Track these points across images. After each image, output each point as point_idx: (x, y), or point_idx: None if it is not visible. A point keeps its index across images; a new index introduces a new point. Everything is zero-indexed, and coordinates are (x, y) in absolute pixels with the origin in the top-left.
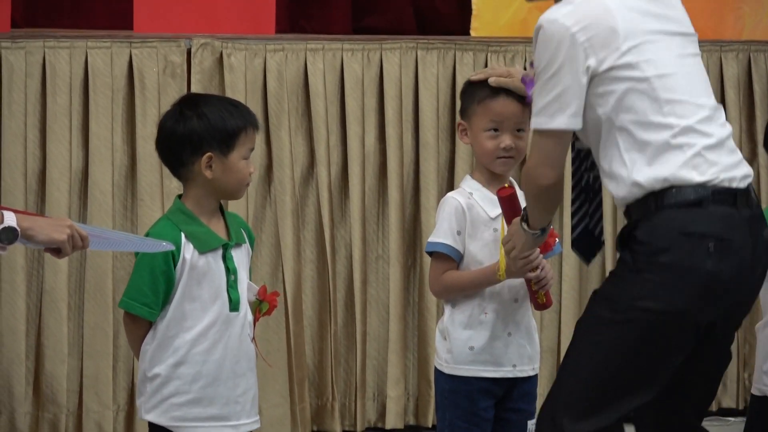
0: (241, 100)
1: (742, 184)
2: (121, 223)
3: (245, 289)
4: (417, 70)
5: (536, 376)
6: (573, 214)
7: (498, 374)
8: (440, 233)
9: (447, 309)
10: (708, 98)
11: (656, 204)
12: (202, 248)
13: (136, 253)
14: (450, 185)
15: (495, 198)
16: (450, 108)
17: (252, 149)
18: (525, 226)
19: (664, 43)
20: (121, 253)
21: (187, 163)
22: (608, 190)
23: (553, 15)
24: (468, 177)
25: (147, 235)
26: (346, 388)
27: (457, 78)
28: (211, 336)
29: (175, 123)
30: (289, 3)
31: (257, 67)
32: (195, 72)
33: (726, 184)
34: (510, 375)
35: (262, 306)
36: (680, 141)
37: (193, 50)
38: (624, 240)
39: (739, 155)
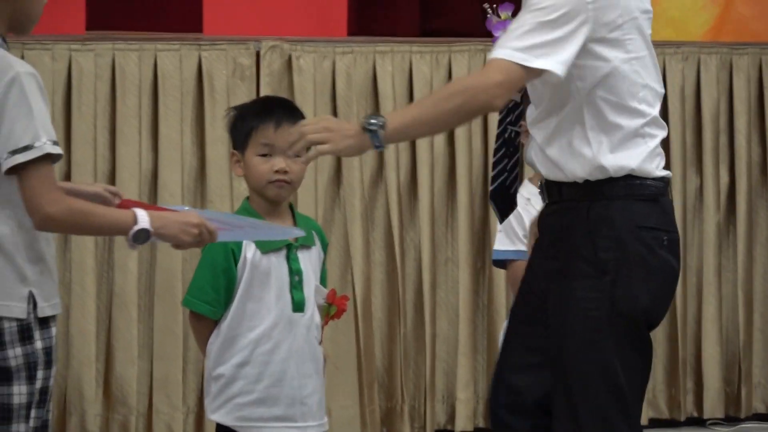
0: (310, 102)
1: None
2: None
3: (312, 291)
4: None
5: None
6: (494, 164)
7: None
8: (506, 242)
9: None
10: (661, 86)
11: (610, 193)
12: (264, 248)
13: (202, 252)
14: None
15: None
16: None
17: (267, 145)
18: (376, 133)
19: (643, 23)
20: (190, 255)
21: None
22: (552, 162)
23: None
24: (526, 182)
25: None
26: (416, 390)
27: None
28: (274, 336)
29: None
30: (357, 5)
31: (326, 69)
32: (264, 74)
33: (668, 177)
34: None
35: (330, 309)
36: (648, 131)
37: (262, 53)
38: (572, 227)
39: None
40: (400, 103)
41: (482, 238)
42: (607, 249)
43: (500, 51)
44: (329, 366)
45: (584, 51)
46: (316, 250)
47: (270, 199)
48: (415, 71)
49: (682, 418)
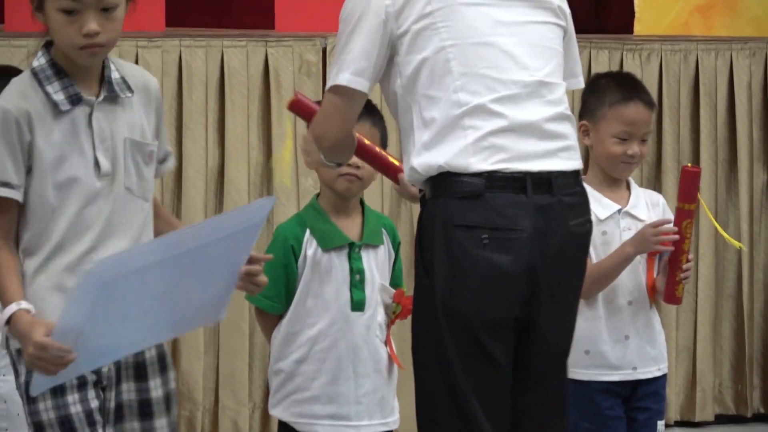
0: (374, 98)
1: (543, 172)
2: None
3: (375, 290)
4: None
5: (664, 376)
6: None
7: (616, 377)
8: None
9: None
10: (533, 71)
11: (434, 190)
12: (325, 245)
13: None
14: None
15: (606, 200)
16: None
17: None
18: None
19: (483, 10)
20: (258, 250)
21: None
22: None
23: None
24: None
25: (276, 228)
26: None
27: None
28: (332, 334)
29: None
30: None
31: None
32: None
33: (514, 172)
34: (630, 378)
35: (396, 309)
36: (467, 122)
37: (328, 49)
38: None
39: (556, 144)
40: None
41: None
42: (426, 249)
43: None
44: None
45: (397, 46)
46: (383, 250)
47: (339, 194)
48: None
49: (749, 414)
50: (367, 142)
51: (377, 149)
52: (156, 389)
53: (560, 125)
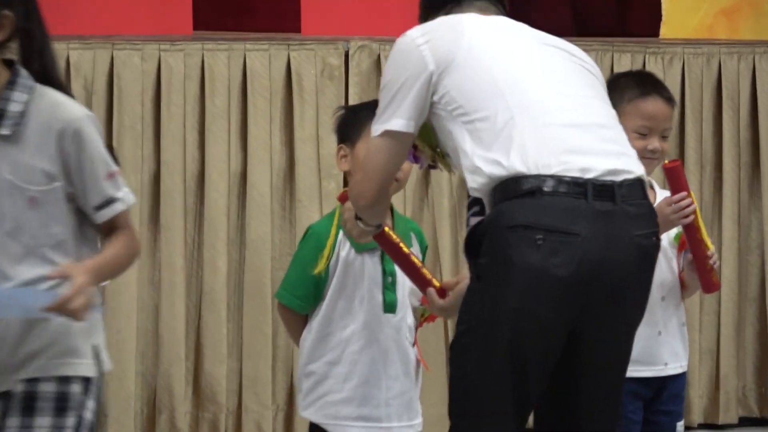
0: None
1: (604, 178)
2: (279, 224)
3: (405, 292)
4: None
5: (684, 374)
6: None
7: (650, 373)
8: None
9: None
10: (574, 89)
11: (494, 197)
12: (359, 247)
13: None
14: None
15: None
16: None
17: None
18: (360, 222)
19: (524, 45)
20: (279, 254)
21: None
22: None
23: (405, 33)
24: None
25: (308, 229)
26: None
27: None
28: (364, 336)
29: None
30: None
31: None
32: (353, 74)
33: (573, 174)
34: (662, 374)
35: (425, 312)
36: (519, 121)
37: (350, 52)
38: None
39: (614, 147)
40: None
41: None
42: (480, 254)
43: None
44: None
45: (437, 82)
46: (413, 252)
47: None
48: None
49: None
50: (405, 249)
51: (413, 258)
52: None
53: (614, 134)
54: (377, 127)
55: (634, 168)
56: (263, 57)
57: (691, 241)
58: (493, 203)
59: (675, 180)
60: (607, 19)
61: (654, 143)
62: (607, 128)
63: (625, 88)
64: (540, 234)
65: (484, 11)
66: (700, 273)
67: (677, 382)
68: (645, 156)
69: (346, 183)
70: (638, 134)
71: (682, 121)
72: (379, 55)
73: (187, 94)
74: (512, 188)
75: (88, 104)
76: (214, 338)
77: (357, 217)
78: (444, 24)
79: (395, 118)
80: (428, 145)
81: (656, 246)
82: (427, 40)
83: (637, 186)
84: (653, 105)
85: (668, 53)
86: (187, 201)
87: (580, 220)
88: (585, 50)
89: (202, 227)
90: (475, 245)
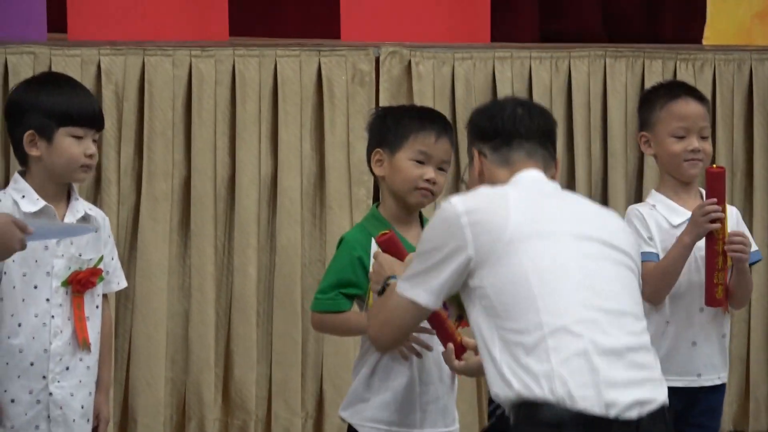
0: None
1: (628, 414)
2: (309, 231)
3: None
4: (605, 78)
5: (723, 386)
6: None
7: (680, 383)
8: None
9: None
10: (618, 301)
11: (516, 417)
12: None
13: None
14: (638, 194)
15: (679, 207)
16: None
17: (424, 153)
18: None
19: (563, 242)
20: (309, 260)
21: (370, 163)
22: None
23: (450, 200)
24: (653, 192)
25: (341, 239)
26: None
27: (646, 86)
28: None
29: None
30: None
31: (445, 75)
32: (383, 80)
33: (597, 411)
34: (694, 384)
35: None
36: (551, 343)
37: (381, 58)
38: None
39: (643, 373)
40: None
41: None
42: None
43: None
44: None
45: (475, 271)
46: None
47: (409, 205)
48: (535, 77)
49: None
50: (444, 317)
51: (451, 327)
52: None
53: (643, 357)
54: (406, 288)
55: (658, 395)
56: (294, 63)
57: (707, 249)
58: (516, 420)
59: (712, 186)
60: (638, 25)
61: (693, 143)
62: (636, 350)
63: (656, 98)
64: None
65: (531, 155)
66: (707, 284)
67: (714, 395)
68: (687, 158)
69: (376, 190)
70: (676, 137)
71: (713, 127)
72: (409, 61)
73: (218, 100)
74: (536, 414)
75: (119, 110)
76: (244, 345)
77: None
78: (490, 202)
79: (425, 292)
80: (458, 303)
81: None
82: (471, 222)
83: (660, 416)
84: (685, 105)
85: (699, 59)
86: (217, 207)
87: None
88: (615, 57)
89: (233, 233)
90: None
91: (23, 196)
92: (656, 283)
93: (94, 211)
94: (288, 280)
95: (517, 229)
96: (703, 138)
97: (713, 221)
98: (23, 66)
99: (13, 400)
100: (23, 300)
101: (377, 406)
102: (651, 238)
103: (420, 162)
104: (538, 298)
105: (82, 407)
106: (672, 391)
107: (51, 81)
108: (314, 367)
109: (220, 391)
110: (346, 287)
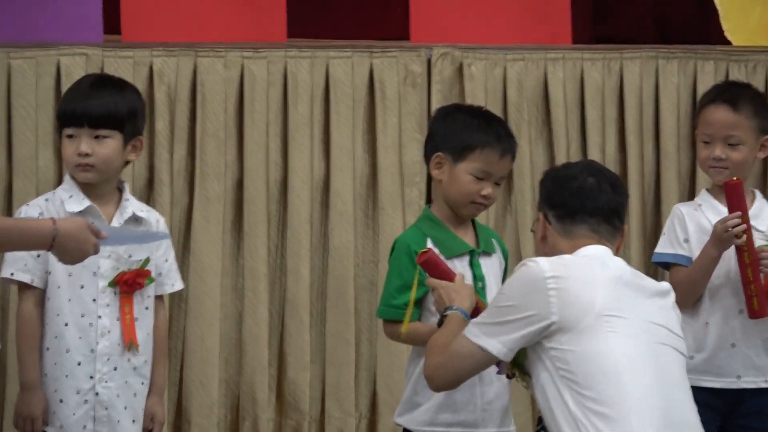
0: None
1: None
2: (362, 232)
3: (492, 297)
4: (657, 79)
5: None
6: None
7: (719, 384)
8: (667, 245)
9: None
10: (671, 402)
11: None
12: (448, 253)
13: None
14: (691, 195)
15: (722, 209)
16: (691, 118)
17: (485, 171)
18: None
19: (636, 334)
20: (362, 261)
21: (427, 160)
22: None
23: (537, 260)
24: (703, 191)
25: (394, 243)
26: None
27: (698, 88)
28: None
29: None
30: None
31: (497, 76)
32: (435, 81)
33: None
34: (733, 386)
35: None
36: (632, 420)
37: (433, 60)
38: None
39: None
40: (571, 110)
41: (654, 245)
42: None
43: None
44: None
45: (555, 337)
46: (497, 258)
47: (460, 214)
48: (587, 78)
49: None
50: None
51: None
52: None
53: None
54: (477, 334)
55: None
56: (346, 64)
57: (738, 261)
58: None
59: (731, 198)
60: (689, 27)
61: (715, 150)
62: None
63: (702, 100)
64: None
65: (595, 231)
66: (745, 297)
67: (760, 397)
68: (711, 165)
69: (429, 191)
70: (703, 143)
71: None
72: (461, 63)
73: (270, 101)
74: None
75: (172, 111)
76: (297, 345)
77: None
78: (577, 271)
79: (499, 344)
80: (514, 361)
81: None
82: (558, 288)
83: None
84: (713, 112)
85: (752, 60)
86: (270, 208)
87: None
88: (667, 58)
89: (285, 234)
90: None
91: (70, 196)
92: (683, 290)
93: (147, 213)
94: (341, 281)
95: (605, 305)
96: (731, 146)
97: (737, 235)
98: (76, 67)
99: (61, 401)
100: (69, 300)
101: (433, 409)
102: (686, 240)
103: (480, 178)
104: (623, 374)
105: (125, 408)
106: (713, 392)
107: (76, 83)
108: (367, 368)
109: (274, 392)
110: (411, 289)
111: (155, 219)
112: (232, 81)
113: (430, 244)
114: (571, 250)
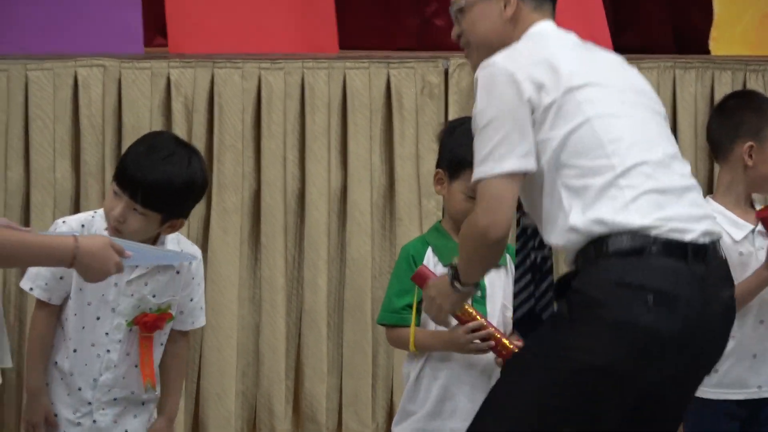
0: None
1: (701, 240)
2: (379, 243)
3: (497, 307)
4: (675, 89)
5: None
6: (516, 294)
7: (742, 396)
8: None
9: None
10: (665, 146)
11: (595, 252)
12: (446, 261)
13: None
14: None
15: (741, 221)
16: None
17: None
18: (457, 284)
19: (609, 90)
20: (380, 272)
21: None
22: (548, 242)
23: (489, 59)
24: (710, 200)
25: (402, 249)
26: None
27: (716, 98)
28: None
29: None
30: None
31: None
32: (452, 92)
33: (676, 236)
34: (755, 396)
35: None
36: (622, 182)
37: (450, 70)
38: (560, 289)
39: (703, 210)
40: None
41: None
42: (576, 303)
43: (476, 170)
44: None
45: (539, 121)
46: (506, 269)
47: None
48: None
49: None
50: (483, 320)
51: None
52: None
53: (698, 197)
54: (492, 167)
55: (716, 228)
56: (363, 75)
57: None
58: (593, 257)
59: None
60: (707, 36)
61: None
62: (692, 190)
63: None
64: (650, 295)
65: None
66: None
67: None
68: None
69: None
70: None
71: None
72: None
73: (288, 112)
74: (615, 245)
75: (189, 122)
76: (314, 357)
77: (454, 281)
78: (533, 55)
79: (517, 158)
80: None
81: (735, 306)
82: (525, 78)
83: (719, 247)
84: None
85: None
86: (287, 219)
87: (682, 282)
88: (685, 68)
89: (303, 246)
90: (572, 290)
91: (106, 229)
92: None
93: (187, 248)
94: (358, 292)
95: (571, 79)
96: None
97: None
98: (93, 79)
99: (56, 415)
100: (83, 327)
101: (424, 418)
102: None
103: (471, 197)
104: (606, 143)
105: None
106: (737, 402)
107: (144, 137)
108: (385, 379)
109: (291, 404)
110: (410, 294)
111: (192, 257)
112: (250, 92)
113: (429, 253)
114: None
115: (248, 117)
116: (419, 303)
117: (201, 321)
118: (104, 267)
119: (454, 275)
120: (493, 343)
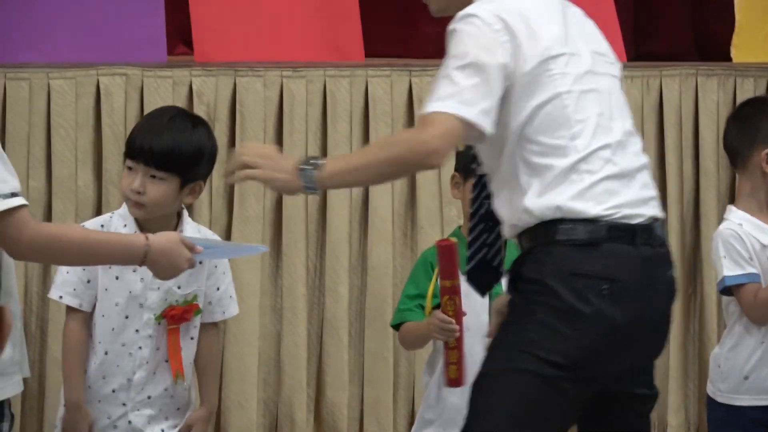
0: None
1: (647, 223)
2: (401, 250)
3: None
4: (697, 96)
5: None
6: (470, 244)
7: (767, 402)
8: (734, 267)
9: (725, 338)
10: (623, 121)
11: (547, 236)
12: (463, 268)
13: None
14: None
15: (765, 226)
16: None
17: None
18: (311, 171)
19: (582, 59)
20: (401, 280)
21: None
22: (496, 211)
23: (469, 11)
24: (733, 209)
25: (421, 254)
26: None
27: (738, 104)
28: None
29: None
30: None
31: None
32: None
33: (626, 221)
34: None
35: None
36: (583, 167)
37: None
38: (513, 276)
39: (651, 192)
40: None
41: (693, 263)
42: (535, 295)
43: (432, 104)
44: None
45: (511, 88)
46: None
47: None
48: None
49: None
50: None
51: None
52: None
53: (648, 175)
54: (453, 106)
55: (659, 212)
56: (385, 83)
57: None
58: (543, 242)
59: None
60: (729, 43)
61: None
62: (644, 170)
63: None
64: (606, 284)
65: None
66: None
67: None
68: None
69: None
70: None
71: None
72: None
73: (310, 120)
74: (571, 234)
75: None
76: (336, 365)
77: (307, 167)
78: (513, 15)
79: (481, 113)
80: None
81: (676, 285)
82: (504, 29)
83: (663, 228)
84: None
85: None
86: (308, 228)
87: (633, 268)
88: (707, 75)
89: (324, 254)
90: (525, 280)
91: (125, 225)
92: (766, 310)
93: (209, 236)
94: (379, 300)
95: (549, 49)
96: None
97: None
98: (115, 87)
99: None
100: (113, 329)
101: (425, 423)
102: (751, 258)
103: None
104: (573, 123)
105: (162, 430)
106: (763, 408)
107: (150, 113)
108: (406, 387)
109: (312, 412)
110: (422, 297)
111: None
112: (272, 100)
113: None
114: None
115: (270, 125)
116: (434, 307)
117: (232, 310)
118: (176, 263)
119: (315, 164)
120: (452, 345)
